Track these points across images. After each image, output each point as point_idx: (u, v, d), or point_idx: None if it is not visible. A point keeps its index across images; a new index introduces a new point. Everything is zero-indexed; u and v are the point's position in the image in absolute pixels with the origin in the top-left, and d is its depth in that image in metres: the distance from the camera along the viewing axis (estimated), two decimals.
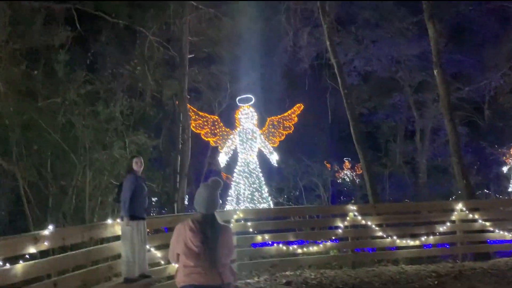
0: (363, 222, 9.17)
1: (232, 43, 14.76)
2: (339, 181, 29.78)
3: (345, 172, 32.85)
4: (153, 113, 11.70)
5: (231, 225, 8.31)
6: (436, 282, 7.19)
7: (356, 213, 9.16)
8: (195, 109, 13.16)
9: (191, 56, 11.01)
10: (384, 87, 22.94)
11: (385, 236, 9.22)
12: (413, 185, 18.16)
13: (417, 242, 9.27)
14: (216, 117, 13.53)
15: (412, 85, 20.45)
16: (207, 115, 13.52)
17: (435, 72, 11.61)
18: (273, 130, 13.97)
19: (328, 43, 11.23)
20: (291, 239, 8.89)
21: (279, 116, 14.37)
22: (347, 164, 32.74)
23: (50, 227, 4.95)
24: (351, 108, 10.99)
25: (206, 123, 13.12)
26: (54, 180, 9.83)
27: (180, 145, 9.60)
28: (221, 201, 3.80)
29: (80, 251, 5.59)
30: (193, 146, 18.19)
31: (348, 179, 31.06)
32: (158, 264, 6.76)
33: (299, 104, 14.49)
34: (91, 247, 5.85)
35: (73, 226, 7.58)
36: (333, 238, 9.16)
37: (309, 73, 26.56)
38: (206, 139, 13.36)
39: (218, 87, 17.70)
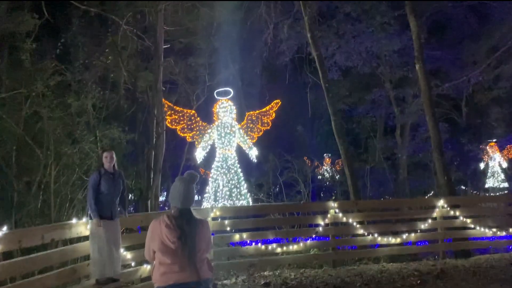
0: (344, 219, 9.01)
1: (210, 35, 14.35)
2: (319, 177, 29.78)
3: (325, 168, 32.95)
4: (127, 106, 11.22)
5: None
6: (418, 281, 7.03)
7: (337, 210, 8.99)
8: (170, 104, 12.67)
9: (166, 46, 10.52)
10: (364, 83, 22.96)
11: (366, 233, 9.09)
12: (393, 181, 18.14)
13: (398, 240, 9.17)
14: (193, 112, 13.07)
15: (393, 80, 20.42)
16: (183, 109, 13.03)
17: (416, 67, 11.47)
18: (251, 125, 13.62)
19: (309, 35, 10.94)
20: (270, 237, 8.62)
21: (257, 111, 14.03)
22: (327, 160, 32.85)
23: (4, 228, 4.48)
24: (332, 102, 10.75)
25: (182, 118, 12.64)
26: (18, 176, 9.27)
27: (154, 139, 9.11)
28: (199, 197, 3.54)
29: (39, 254, 5.13)
30: (170, 141, 17.79)
31: (328, 175, 31.11)
32: (129, 266, 6.36)
33: (277, 100, 14.22)
34: (54, 249, 5.39)
35: (33, 226, 7.06)
36: (314, 236, 8.98)
37: (290, 67, 26.36)
38: (183, 135, 12.89)
39: (196, 80, 17.26)
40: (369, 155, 17.55)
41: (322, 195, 22.39)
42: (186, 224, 3.08)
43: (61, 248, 5.61)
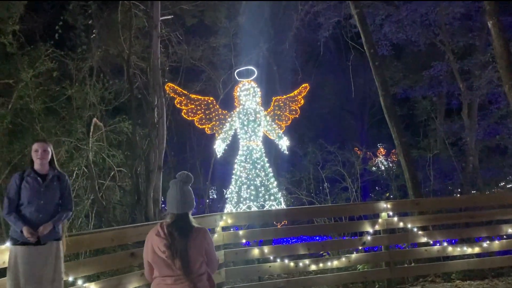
0: (401, 224, 7.08)
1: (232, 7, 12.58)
2: (374, 168, 27.32)
3: (380, 159, 30.40)
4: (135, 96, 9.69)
5: (216, 235, 6.34)
6: None
7: (391, 213, 7.06)
8: (185, 92, 11.09)
9: (166, 18, 8.86)
10: (420, 57, 20.25)
11: (431, 242, 7.09)
12: (461, 171, 15.49)
13: (476, 249, 7.11)
14: (211, 99, 11.41)
15: (455, 50, 17.64)
16: (199, 97, 11.40)
17: (489, 24, 9.16)
18: (279, 112, 11.78)
19: None
20: (301, 251, 6.73)
21: (284, 96, 12.17)
22: (381, 150, 30.23)
23: None
24: (380, 72, 8.62)
25: (199, 108, 11.03)
26: None
27: (152, 128, 7.51)
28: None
29: None
30: (200, 134, 16.35)
31: (384, 167, 28.53)
32: None
33: (305, 84, 12.35)
34: None
35: None
36: (360, 247, 7.09)
37: (333, 47, 24.19)
38: (201, 127, 11.28)
39: (221, 65, 15.59)
40: (430, 141, 15.00)
41: (376, 189, 19.99)
42: (176, 231, 2.92)
43: None
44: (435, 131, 18.35)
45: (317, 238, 9.07)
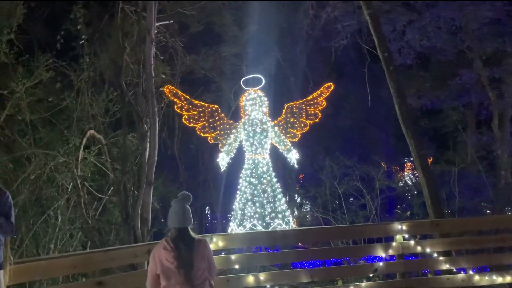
0: (419, 248, 6.26)
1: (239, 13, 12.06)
2: (400, 184, 26.23)
3: (407, 174, 29.29)
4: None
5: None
6: None
7: (406, 235, 6.25)
8: (187, 96, 10.55)
9: (163, 23, 8.37)
10: (448, 67, 19.23)
11: (455, 269, 6.26)
12: (492, 186, 14.33)
13: (508, 279, 6.21)
14: (216, 106, 10.83)
15: (484, 57, 16.61)
16: (202, 103, 10.85)
17: None
18: (292, 119, 11.01)
19: None
20: (304, 279, 5.98)
21: (300, 101, 11.39)
22: (408, 165, 29.09)
23: None
24: (394, 78, 7.87)
25: (202, 115, 10.46)
26: None
27: (141, 140, 6.94)
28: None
29: None
30: (213, 148, 15.83)
31: (410, 183, 27.41)
32: None
33: (328, 84, 11.41)
34: None
35: None
36: (371, 275, 6.30)
37: (353, 55, 23.40)
38: (203, 135, 10.70)
39: (232, 75, 15.08)
40: (457, 154, 13.95)
41: (399, 207, 18.86)
42: (182, 243, 3.40)
43: None
44: (464, 144, 17.25)
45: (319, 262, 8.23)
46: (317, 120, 11.24)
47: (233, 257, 5.88)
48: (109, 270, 4.70)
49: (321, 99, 11.22)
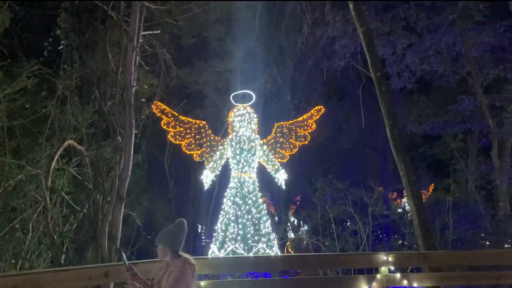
0: (405, 282, 5.80)
1: (233, 27, 11.83)
2: (399, 210, 25.70)
3: (404, 201, 28.80)
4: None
5: None
6: None
7: (392, 268, 5.81)
8: (174, 112, 10.21)
9: (148, 32, 8.06)
10: (450, 93, 18.93)
11: None
12: (491, 218, 13.80)
13: None
14: (203, 122, 10.47)
15: (485, 83, 16.30)
16: (189, 119, 10.50)
17: None
18: (281, 139, 10.64)
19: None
20: None
21: (290, 122, 11.04)
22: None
23: None
24: (386, 99, 7.51)
25: (188, 131, 10.10)
26: None
27: (114, 153, 6.54)
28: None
29: None
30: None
31: (408, 209, 26.84)
32: None
33: (319, 107, 11.15)
34: None
35: None
36: None
37: (352, 76, 23.18)
38: (189, 153, 10.31)
39: (227, 91, 14.78)
40: (453, 182, 13.48)
41: (394, 236, 18.28)
42: None
43: None
44: (462, 172, 16.79)
45: None
46: (306, 142, 10.92)
47: (202, 283, 5.43)
48: None
49: (311, 122, 10.91)
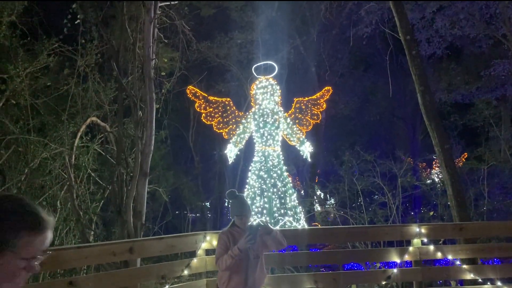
0: (439, 254, 5.57)
1: None
2: (429, 181, 25.19)
3: (434, 172, 28.21)
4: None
5: (196, 260, 5.21)
6: None
7: (425, 240, 5.55)
8: (204, 94, 10.19)
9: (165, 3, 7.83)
10: (482, 59, 18.07)
11: (480, 280, 5.48)
12: None
13: None
14: (228, 99, 10.34)
15: None
16: (216, 98, 10.41)
17: None
18: (300, 115, 10.45)
19: None
20: (307, 284, 5.38)
21: (307, 98, 10.83)
22: (437, 162, 27.91)
23: None
24: (417, 64, 7.10)
25: (216, 110, 10.03)
26: None
27: (136, 128, 6.45)
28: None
29: None
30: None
31: (438, 180, 26.28)
32: None
33: (328, 87, 10.93)
34: None
35: None
36: (384, 282, 5.64)
37: (381, 47, 22.43)
38: (219, 131, 10.28)
39: (249, 64, 14.48)
40: (488, 150, 12.93)
41: (424, 207, 17.90)
42: None
43: None
44: (497, 140, 16.14)
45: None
46: (318, 121, 10.82)
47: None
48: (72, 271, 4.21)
49: (322, 101, 10.73)
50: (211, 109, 10.18)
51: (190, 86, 10.21)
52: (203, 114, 10.27)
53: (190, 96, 10.21)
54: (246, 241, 3.77)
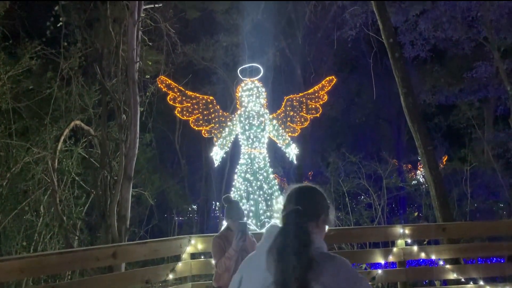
0: (423, 255, 5.64)
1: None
2: (414, 182, 25.44)
3: (419, 172, 28.49)
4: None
5: (181, 264, 5.18)
6: None
7: (409, 240, 5.65)
8: (180, 87, 9.94)
9: (149, 5, 7.74)
10: (465, 61, 18.35)
11: (463, 280, 5.56)
12: (509, 187, 13.48)
13: None
14: (211, 98, 10.19)
15: (502, 48, 15.72)
16: (197, 94, 10.22)
17: None
18: (292, 113, 10.32)
19: None
20: None
21: (300, 94, 10.67)
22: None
23: None
24: (400, 66, 7.18)
25: (196, 107, 9.84)
26: None
27: (120, 131, 6.38)
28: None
29: None
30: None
31: (423, 181, 26.53)
32: None
33: (331, 77, 10.64)
34: None
35: None
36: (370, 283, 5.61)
37: (366, 49, 22.64)
38: (197, 129, 10.08)
39: (235, 66, 14.48)
40: (470, 151, 13.12)
41: (408, 208, 18.07)
42: None
43: None
44: (479, 141, 16.39)
45: None
46: (317, 115, 10.49)
47: (213, 261, 5.32)
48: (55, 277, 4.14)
49: (322, 93, 10.46)
50: (188, 104, 9.89)
51: (162, 76, 9.61)
52: (178, 109, 9.91)
53: (161, 86, 9.60)
54: (237, 240, 3.97)
